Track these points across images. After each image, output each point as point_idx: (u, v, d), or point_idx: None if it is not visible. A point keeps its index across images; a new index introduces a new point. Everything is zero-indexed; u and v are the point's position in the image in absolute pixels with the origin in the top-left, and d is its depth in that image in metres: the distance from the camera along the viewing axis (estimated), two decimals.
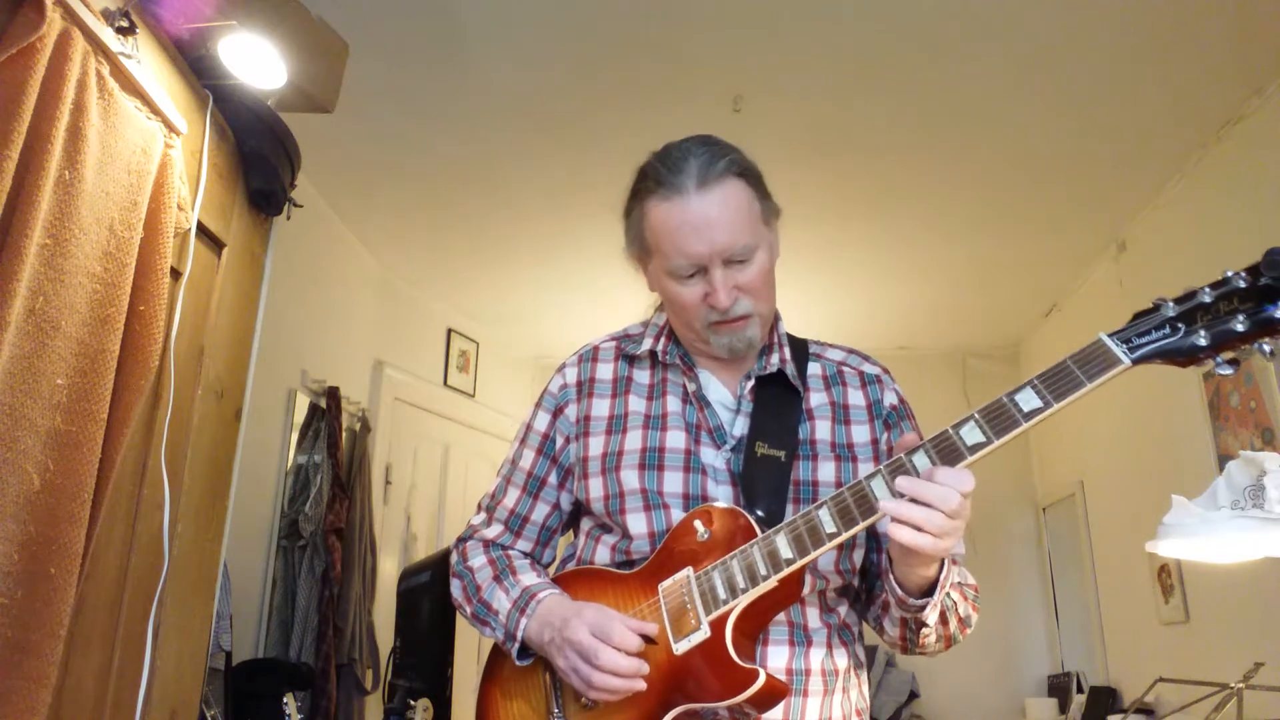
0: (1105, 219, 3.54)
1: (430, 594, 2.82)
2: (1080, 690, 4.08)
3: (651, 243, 1.21)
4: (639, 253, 1.26)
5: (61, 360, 1.22)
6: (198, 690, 1.63)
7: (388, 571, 3.76)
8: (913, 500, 0.97)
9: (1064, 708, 4.15)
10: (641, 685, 1.07)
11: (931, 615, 1.09)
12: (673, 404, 1.25)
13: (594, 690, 1.08)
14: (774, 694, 1.05)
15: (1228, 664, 2.36)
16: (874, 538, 1.23)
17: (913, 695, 4.37)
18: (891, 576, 1.09)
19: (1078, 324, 4.19)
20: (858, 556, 1.21)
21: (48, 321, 1.19)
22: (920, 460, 1.00)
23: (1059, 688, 4.33)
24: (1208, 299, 0.93)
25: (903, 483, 0.99)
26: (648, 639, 1.10)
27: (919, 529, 0.96)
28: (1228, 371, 0.93)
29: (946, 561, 1.06)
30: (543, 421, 1.33)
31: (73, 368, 1.24)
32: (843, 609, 1.22)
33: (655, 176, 1.18)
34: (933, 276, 4.11)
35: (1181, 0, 2.37)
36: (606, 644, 1.07)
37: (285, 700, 2.25)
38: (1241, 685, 1.98)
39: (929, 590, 1.07)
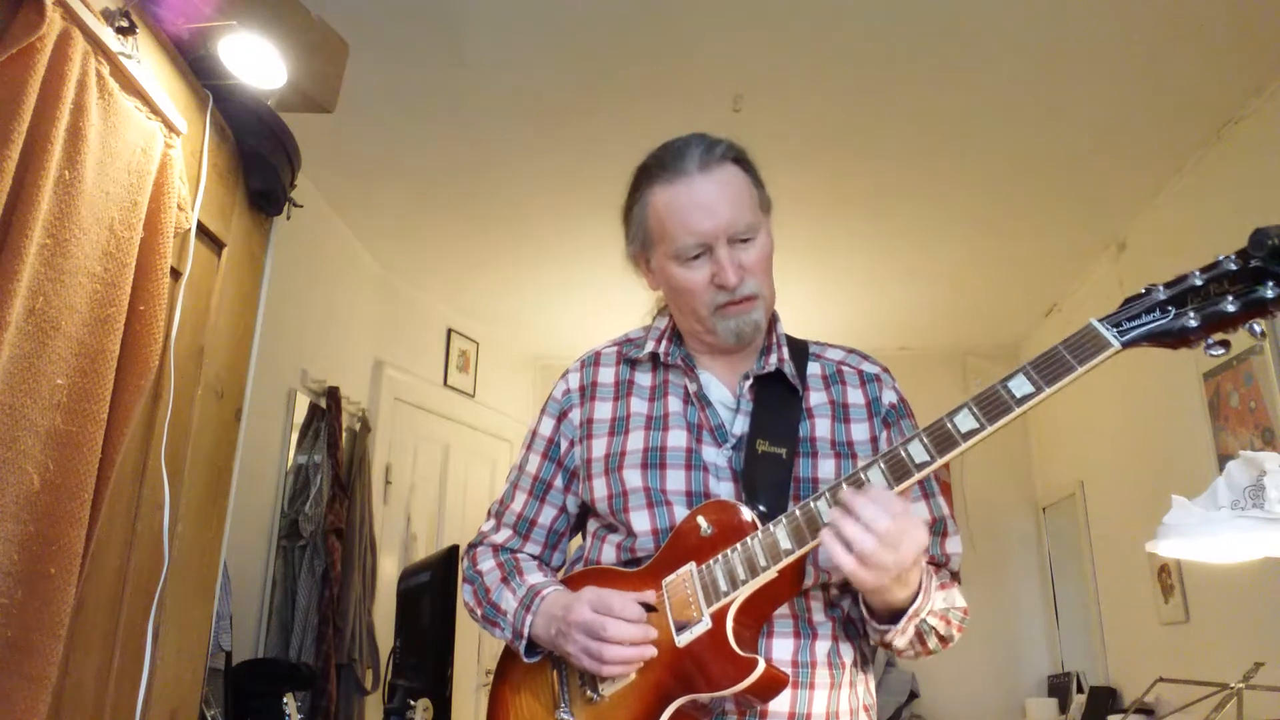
0: (1105, 219, 3.54)
1: (430, 594, 2.81)
2: (1080, 690, 4.08)
3: (656, 229, 1.24)
4: (640, 248, 1.29)
5: (61, 360, 1.21)
6: (198, 690, 1.63)
7: (388, 571, 3.76)
8: (845, 514, 0.99)
9: (1064, 708, 4.15)
10: (652, 651, 1.10)
11: (899, 640, 1.11)
12: (674, 404, 1.27)
13: (607, 666, 1.10)
14: (774, 683, 1.07)
15: (1228, 664, 2.36)
16: None
17: (913, 695, 4.37)
18: (861, 597, 1.10)
19: (1078, 324, 4.13)
20: None
21: (48, 321, 1.19)
22: (915, 449, 1.01)
23: (1059, 688, 4.33)
24: (1198, 282, 0.94)
25: (845, 495, 1.01)
26: (648, 607, 1.12)
27: (849, 547, 0.98)
28: (1218, 353, 0.94)
29: (922, 589, 1.07)
30: (547, 427, 1.36)
31: (73, 368, 1.24)
32: (847, 603, 1.23)
33: (658, 165, 1.24)
34: (933, 276, 4.11)
35: (1181, 0, 2.37)
36: (609, 616, 1.10)
37: (285, 700, 2.25)
38: (1241, 685, 1.98)
39: (899, 613, 1.08)
